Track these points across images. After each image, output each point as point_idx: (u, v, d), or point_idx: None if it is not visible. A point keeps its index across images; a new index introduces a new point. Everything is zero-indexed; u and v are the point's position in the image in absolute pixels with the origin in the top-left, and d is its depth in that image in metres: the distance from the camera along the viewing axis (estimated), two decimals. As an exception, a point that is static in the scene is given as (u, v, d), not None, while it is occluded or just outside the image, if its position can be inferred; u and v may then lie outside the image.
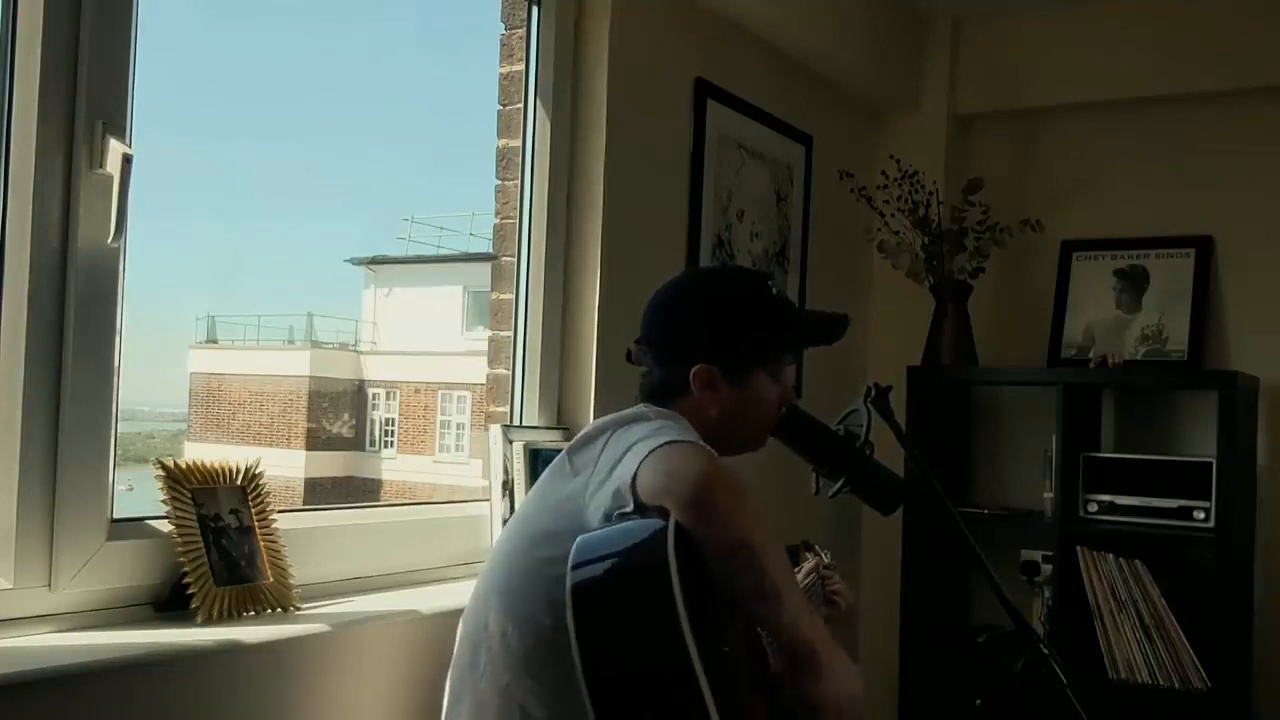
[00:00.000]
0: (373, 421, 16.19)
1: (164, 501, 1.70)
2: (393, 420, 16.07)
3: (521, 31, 2.52)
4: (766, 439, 1.79)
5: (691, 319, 1.74)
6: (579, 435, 1.62)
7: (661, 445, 1.44)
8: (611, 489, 1.46)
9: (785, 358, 1.77)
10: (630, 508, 1.43)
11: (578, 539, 1.42)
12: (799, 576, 2.04)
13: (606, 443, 1.53)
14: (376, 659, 1.83)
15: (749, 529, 1.39)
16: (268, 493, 1.84)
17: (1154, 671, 3.05)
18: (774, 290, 1.78)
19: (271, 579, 1.78)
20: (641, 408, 1.64)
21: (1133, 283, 3.46)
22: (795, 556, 2.14)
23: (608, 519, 1.46)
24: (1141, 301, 3.44)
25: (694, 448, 1.46)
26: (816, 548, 2.11)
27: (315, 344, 16.42)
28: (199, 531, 1.70)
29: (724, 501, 1.40)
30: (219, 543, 1.73)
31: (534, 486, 1.69)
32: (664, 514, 1.40)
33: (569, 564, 1.38)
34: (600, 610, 1.36)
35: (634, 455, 1.45)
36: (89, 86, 1.60)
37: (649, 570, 1.33)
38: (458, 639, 1.62)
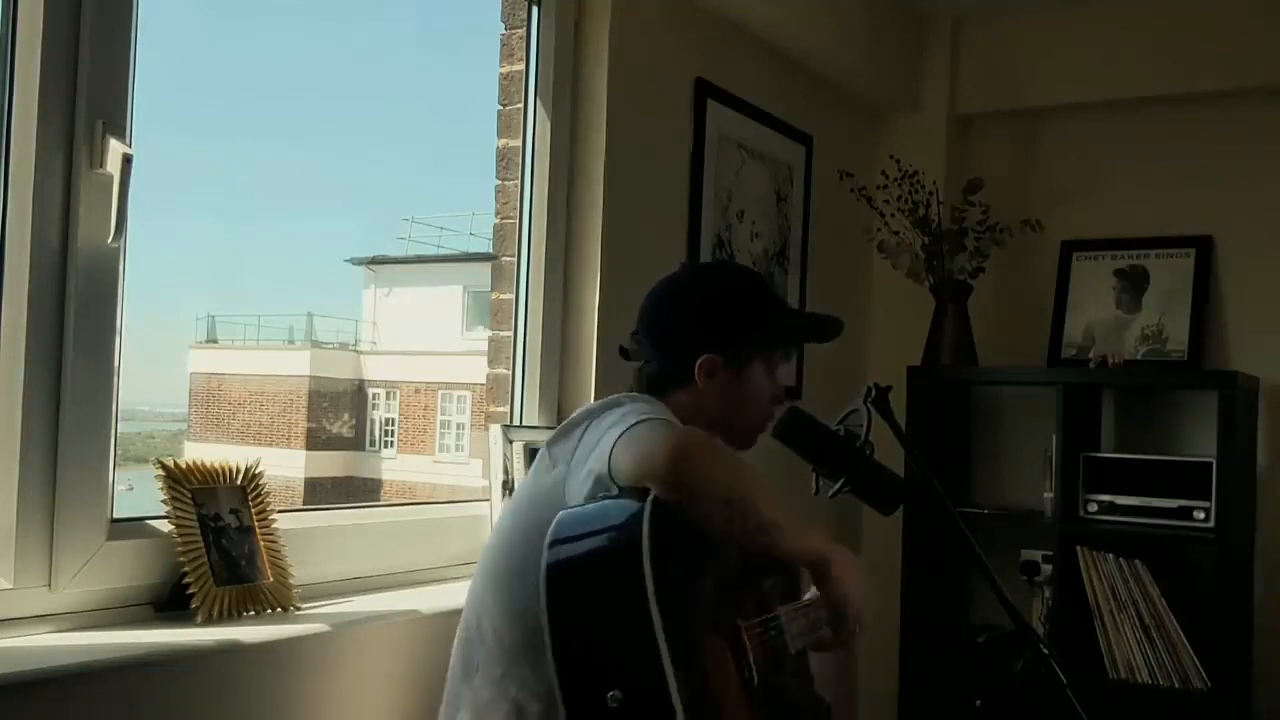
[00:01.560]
0: (373, 421, 16.19)
1: (164, 501, 1.70)
2: (393, 420, 16.08)
3: (521, 31, 2.52)
4: (757, 438, 1.80)
5: (695, 310, 1.76)
6: (559, 427, 1.63)
7: (630, 427, 1.46)
8: (592, 477, 1.48)
9: (780, 353, 1.79)
10: (615, 492, 1.45)
11: (559, 514, 1.44)
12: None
13: (584, 433, 1.55)
14: (376, 659, 1.83)
15: (727, 486, 1.42)
16: (268, 493, 1.84)
17: (1154, 671, 3.05)
18: (770, 287, 1.83)
19: (271, 579, 1.78)
20: (618, 395, 1.65)
21: (1133, 283, 3.46)
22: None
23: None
24: (1141, 301, 3.44)
25: (659, 424, 1.48)
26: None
27: (315, 344, 16.42)
28: (199, 531, 1.70)
29: (696, 470, 1.42)
30: (219, 543, 1.73)
31: (521, 482, 1.71)
32: (643, 495, 1.41)
33: (546, 540, 1.40)
34: (572, 591, 1.38)
35: (607, 441, 1.47)
36: (89, 86, 1.60)
37: (622, 553, 1.35)
38: (454, 646, 1.62)
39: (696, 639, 1.44)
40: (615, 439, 1.46)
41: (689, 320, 1.75)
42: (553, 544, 1.40)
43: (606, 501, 1.46)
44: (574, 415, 1.63)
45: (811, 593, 2.03)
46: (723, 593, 1.50)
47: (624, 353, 1.80)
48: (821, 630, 1.97)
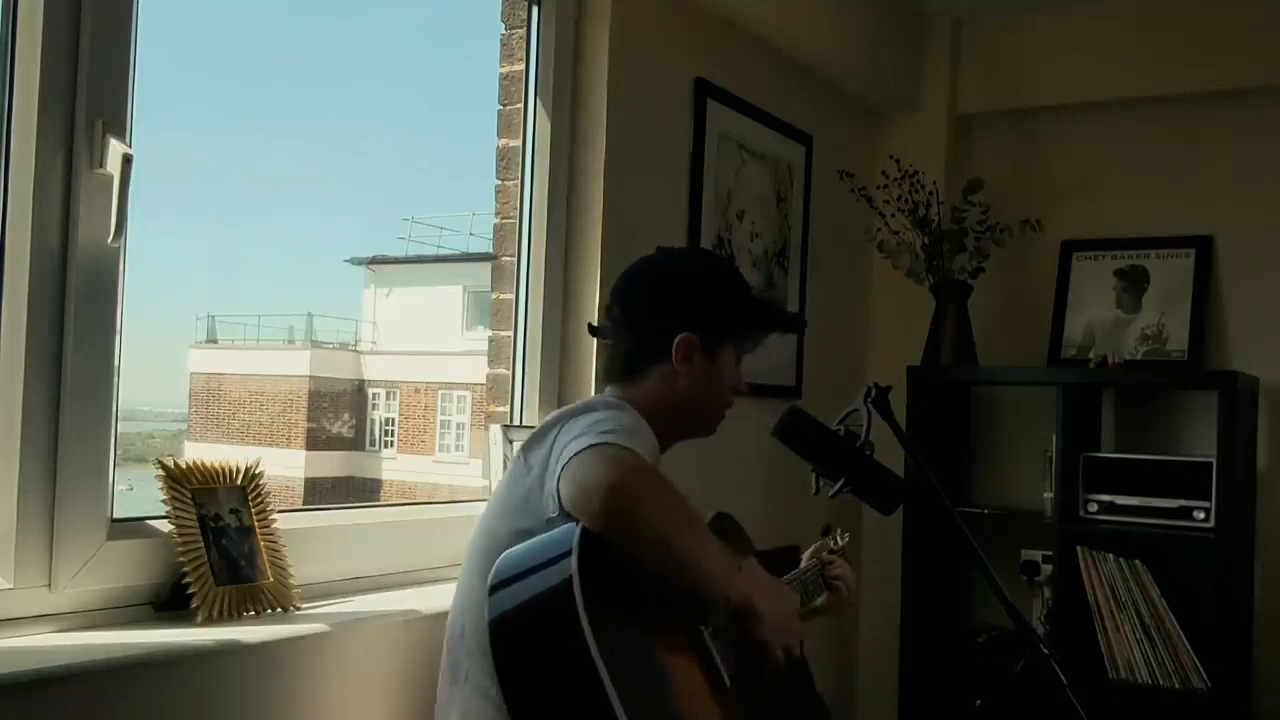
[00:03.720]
0: (373, 421, 16.21)
1: (164, 501, 1.69)
2: (393, 420, 16.09)
3: (521, 31, 2.52)
4: (718, 425, 1.81)
5: (679, 288, 1.77)
6: (533, 431, 1.63)
7: (581, 451, 1.45)
8: (550, 496, 1.49)
9: (751, 338, 1.81)
10: (557, 514, 1.46)
11: (500, 557, 1.44)
12: (804, 559, 2.05)
13: (555, 439, 1.55)
14: (376, 659, 1.83)
15: (661, 527, 1.41)
16: (268, 493, 1.84)
17: (1154, 671, 3.05)
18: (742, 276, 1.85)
19: (271, 579, 1.77)
20: (592, 398, 1.66)
21: (1133, 283, 3.46)
22: (788, 557, 2.13)
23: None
24: (1141, 301, 3.44)
25: (605, 452, 1.45)
26: (837, 533, 2.12)
27: (315, 344, 16.44)
28: (199, 531, 1.70)
29: (630, 510, 1.41)
30: (219, 542, 1.72)
31: (496, 488, 1.70)
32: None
33: (488, 585, 1.40)
34: (515, 645, 1.37)
35: (560, 463, 1.47)
36: (89, 86, 1.60)
37: (557, 600, 1.34)
38: (443, 649, 1.63)
39: (652, 665, 1.43)
40: (564, 464, 1.46)
41: (672, 300, 1.76)
42: (493, 589, 1.40)
43: (541, 537, 1.45)
44: (548, 418, 1.63)
45: (803, 564, 2.05)
46: (678, 604, 1.49)
47: (593, 330, 1.80)
48: (818, 600, 1.98)
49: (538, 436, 1.60)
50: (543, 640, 1.35)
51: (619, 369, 1.74)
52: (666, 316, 1.73)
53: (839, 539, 2.13)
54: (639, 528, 1.40)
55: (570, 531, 1.39)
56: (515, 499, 1.57)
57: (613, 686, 1.29)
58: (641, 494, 1.42)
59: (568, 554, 1.35)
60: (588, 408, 1.59)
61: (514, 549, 1.45)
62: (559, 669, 1.32)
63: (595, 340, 2.51)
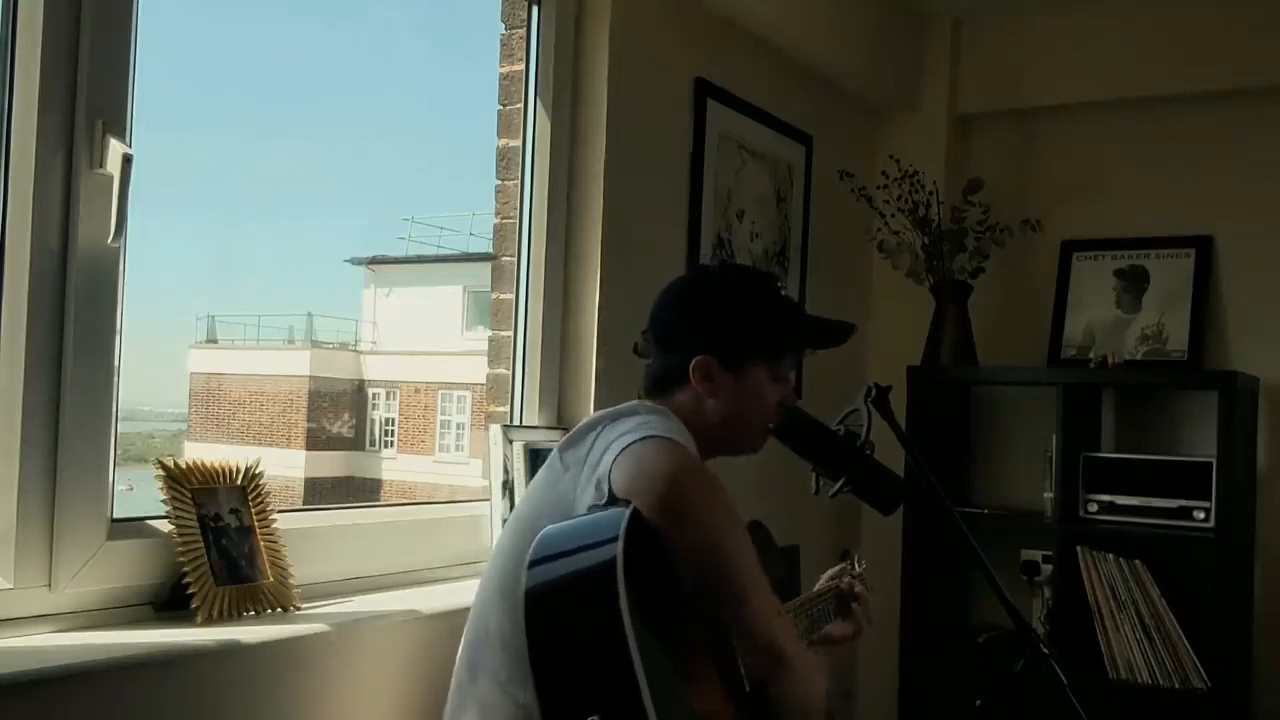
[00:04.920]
0: (373, 421, 16.21)
1: (164, 501, 1.69)
2: (393, 420, 16.09)
3: (521, 31, 2.52)
4: (764, 442, 1.79)
5: (696, 309, 1.76)
6: (571, 432, 1.63)
7: (636, 441, 1.45)
8: (592, 486, 1.48)
9: (788, 357, 1.78)
10: (604, 501, 1.45)
11: (541, 531, 1.43)
12: (821, 581, 2.04)
13: (595, 439, 1.54)
14: (376, 659, 1.83)
15: (716, 530, 1.41)
16: (268, 492, 1.84)
17: (1154, 671, 3.05)
18: (782, 291, 1.81)
19: (271, 579, 1.77)
20: (634, 403, 1.65)
21: (1133, 283, 3.46)
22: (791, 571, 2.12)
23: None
24: (1141, 301, 3.44)
25: (667, 444, 1.47)
26: (855, 558, 2.10)
27: (315, 344, 16.44)
28: (199, 531, 1.70)
29: (691, 501, 1.41)
30: (219, 542, 1.72)
31: (529, 485, 1.70)
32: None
33: (526, 559, 1.39)
34: (549, 616, 1.36)
35: (612, 451, 1.47)
36: (89, 86, 1.60)
37: (597, 577, 1.33)
38: (460, 649, 1.62)
39: (678, 660, 1.43)
40: (620, 450, 1.45)
41: (689, 321, 1.75)
42: (532, 564, 1.39)
43: (588, 517, 1.45)
44: (587, 420, 1.62)
45: (818, 585, 2.04)
46: (709, 601, 1.48)
47: (636, 349, 1.80)
48: (827, 626, 1.98)
49: (575, 438, 1.59)
50: (579, 619, 1.35)
51: (650, 388, 1.74)
52: (685, 339, 1.72)
53: (858, 564, 2.11)
54: (697, 520, 1.40)
55: (619, 516, 1.38)
56: (550, 500, 1.56)
57: (643, 672, 1.29)
58: (699, 492, 1.42)
59: (614, 539, 1.35)
60: (631, 411, 1.59)
61: (558, 526, 1.44)
62: (592, 648, 1.32)
63: (596, 341, 2.52)
